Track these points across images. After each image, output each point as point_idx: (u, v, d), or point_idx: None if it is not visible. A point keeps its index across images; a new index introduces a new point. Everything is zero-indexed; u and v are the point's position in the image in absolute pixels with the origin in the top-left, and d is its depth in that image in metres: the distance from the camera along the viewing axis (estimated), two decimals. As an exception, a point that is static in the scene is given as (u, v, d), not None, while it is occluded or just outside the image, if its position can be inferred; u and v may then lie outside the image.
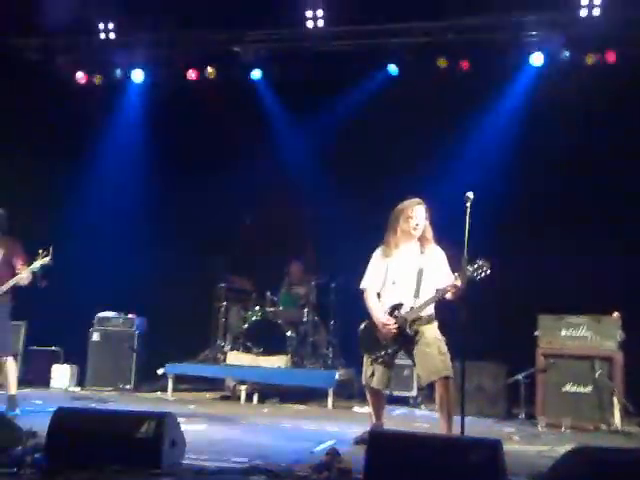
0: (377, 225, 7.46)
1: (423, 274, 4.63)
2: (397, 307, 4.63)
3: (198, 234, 8.25)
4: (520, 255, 7.38)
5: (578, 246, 7.25)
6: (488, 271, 4.29)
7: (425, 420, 6.24)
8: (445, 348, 4.51)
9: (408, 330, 4.54)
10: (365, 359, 4.76)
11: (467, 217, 4.21)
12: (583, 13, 7.04)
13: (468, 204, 4.27)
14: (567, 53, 7.49)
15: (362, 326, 4.78)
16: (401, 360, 7.34)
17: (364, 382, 4.74)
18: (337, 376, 7.06)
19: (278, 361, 7.22)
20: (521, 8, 7.25)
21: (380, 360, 4.63)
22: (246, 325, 7.48)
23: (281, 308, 7.62)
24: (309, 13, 7.63)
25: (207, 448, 4.09)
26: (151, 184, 8.57)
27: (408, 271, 4.66)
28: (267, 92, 8.53)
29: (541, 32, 7.43)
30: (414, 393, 7.28)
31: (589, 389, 6.11)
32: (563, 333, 6.33)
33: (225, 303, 7.79)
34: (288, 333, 7.36)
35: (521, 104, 7.68)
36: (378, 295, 4.77)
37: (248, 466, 3.57)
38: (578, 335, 6.29)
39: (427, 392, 7.50)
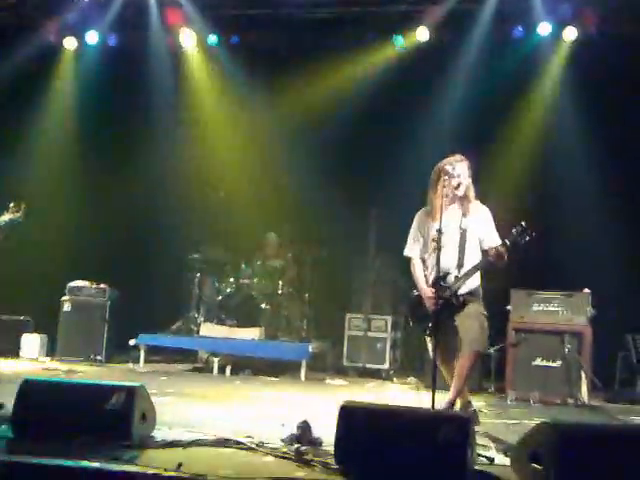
0: (347, 200, 7.46)
1: (467, 238, 4.44)
2: (442, 278, 4.43)
3: (170, 202, 8.15)
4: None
5: (550, 225, 7.31)
6: (532, 234, 4.22)
7: (397, 392, 6.30)
8: (486, 324, 4.46)
9: (454, 301, 4.41)
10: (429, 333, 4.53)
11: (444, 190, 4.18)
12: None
13: (445, 177, 4.23)
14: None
15: (412, 296, 4.64)
16: (372, 333, 7.48)
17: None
18: (310, 348, 7.08)
19: (252, 333, 7.20)
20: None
21: (428, 331, 4.47)
22: (220, 297, 7.43)
23: (256, 280, 7.58)
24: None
25: (178, 421, 4.07)
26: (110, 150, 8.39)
27: (451, 236, 4.42)
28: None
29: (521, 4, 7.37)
30: (386, 366, 7.35)
31: (558, 363, 6.19)
32: (534, 308, 6.39)
33: (199, 274, 7.72)
34: (262, 305, 7.33)
35: (502, 76, 7.63)
36: (423, 261, 4.62)
37: (220, 438, 3.56)
38: (549, 310, 6.36)
39: (398, 365, 7.61)
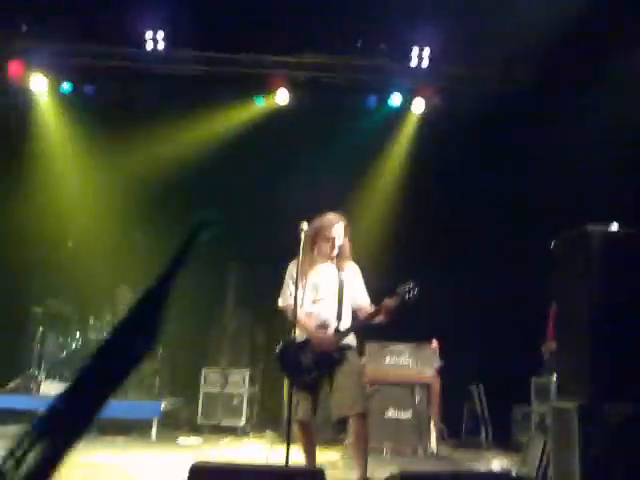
0: (204, 253, 7.33)
1: (344, 294, 4.36)
2: (324, 326, 4.32)
3: (9, 251, 7.63)
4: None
5: (396, 277, 7.67)
6: (417, 290, 4.21)
7: (254, 450, 6.18)
8: (363, 382, 4.34)
9: (335, 354, 4.22)
10: (288, 389, 4.24)
11: (300, 246, 4.21)
12: (413, 63, 7.52)
13: (302, 234, 4.24)
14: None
15: (279, 349, 4.31)
16: (229, 389, 7.35)
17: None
18: (162, 406, 6.78)
19: (99, 391, 6.76)
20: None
21: (303, 385, 4.20)
22: (64, 353, 6.95)
23: (105, 335, 7.18)
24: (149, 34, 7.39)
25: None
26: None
27: (328, 290, 4.37)
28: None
29: (375, 76, 7.86)
30: (243, 422, 7.21)
31: (409, 415, 6.40)
32: (387, 360, 6.60)
33: (41, 328, 7.19)
34: (112, 362, 6.94)
35: (357, 142, 8.00)
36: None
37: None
38: (400, 362, 6.59)
39: (255, 421, 7.49)
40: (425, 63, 7.49)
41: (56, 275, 7.40)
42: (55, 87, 8.00)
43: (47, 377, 6.88)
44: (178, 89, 7.95)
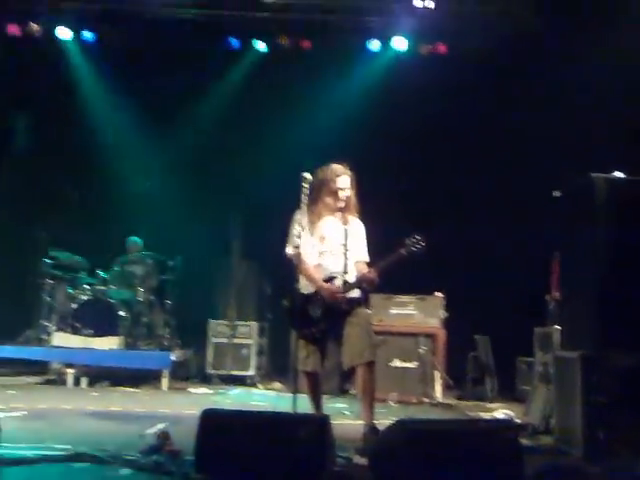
0: (208, 205, 7.36)
1: (348, 247, 4.39)
2: (331, 279, 4.31)
3: (19, 204, 7.65)
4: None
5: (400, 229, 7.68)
6: (423, 243, 4.23)
7: (262, 399, 6.30)
8: (372, 331, 4.39)
9: (344, 306, 4.26)
10: (296, 341, 4.25)
11: (302, 197, 4.21)
12: (418, 4, 7.33)
13: (304, 184, 4.24)
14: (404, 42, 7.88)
15: (285, 302, 4.29)
16: (238, 340, 7.46)
17: (299, 367, 4.24)
18: (172, 357, 6.90)
19: (110, 342, 6.89)
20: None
21: (312, 337, 4.25)
22: (75, 304, 7.05)
23: (113, 287, 7.27)
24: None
25: (27, 436, 3.81)
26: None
27: (335, 243, 4.39)
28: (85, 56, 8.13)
29: (378, 19, 7.72)
30: (252, 372, 7.34)
31: (414, 364, 6.50)
32: (392, 311, 6.68)
33: (51, 280, 7.28)
34: (121, 313, 7.05)
35: (361, 87, 7.91)
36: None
37: (71, 453, 3.38)
38: (405, 313, 6.67)
39: (264, 371, 7.62)
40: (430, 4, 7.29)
41: (64, 227, 7.43)
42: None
43: (58, 329, 6.99)
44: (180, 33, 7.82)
